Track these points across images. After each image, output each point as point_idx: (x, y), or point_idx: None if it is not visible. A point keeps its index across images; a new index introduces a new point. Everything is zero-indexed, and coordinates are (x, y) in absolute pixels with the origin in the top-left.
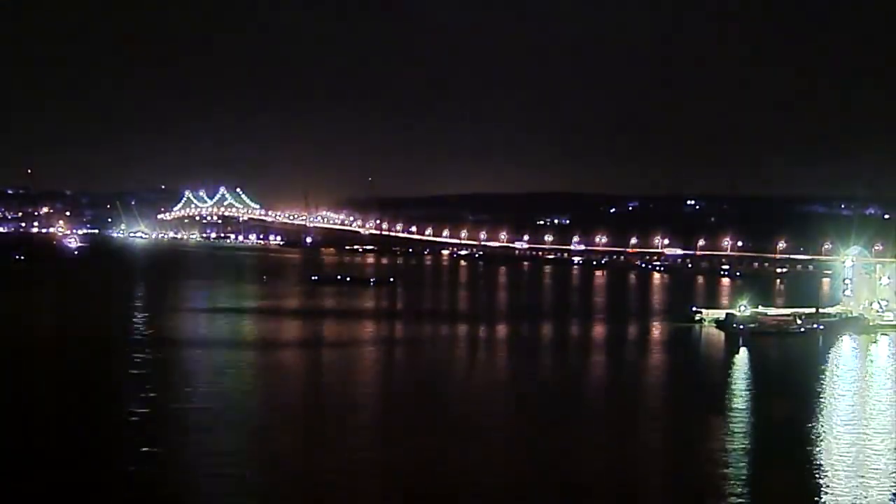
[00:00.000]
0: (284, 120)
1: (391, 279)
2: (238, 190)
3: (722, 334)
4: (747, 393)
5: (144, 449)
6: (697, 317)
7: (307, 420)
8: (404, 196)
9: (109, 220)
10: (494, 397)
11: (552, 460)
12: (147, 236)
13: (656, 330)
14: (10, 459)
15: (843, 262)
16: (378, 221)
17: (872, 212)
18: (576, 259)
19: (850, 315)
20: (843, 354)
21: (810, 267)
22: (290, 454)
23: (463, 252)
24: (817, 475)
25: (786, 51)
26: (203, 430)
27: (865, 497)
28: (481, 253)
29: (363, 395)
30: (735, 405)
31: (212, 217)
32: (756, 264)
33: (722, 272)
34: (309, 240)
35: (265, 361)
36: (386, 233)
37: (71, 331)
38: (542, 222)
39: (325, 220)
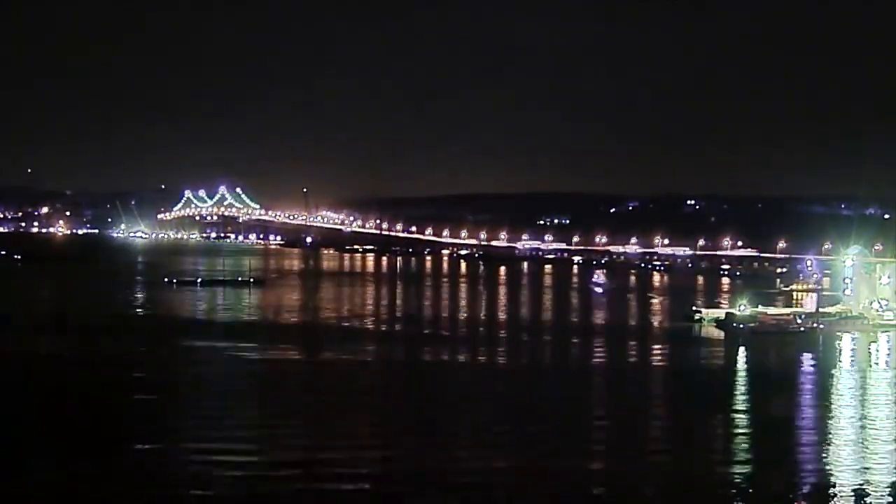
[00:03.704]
0: (285, 120)
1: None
2: (238, 190)
3: (722, 333)
4: (747, 392)
5: None
6: (697, 316)
7: None
8: (404, 196)
9: (109, 220)
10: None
11: (549, 457)
12: (147, 236)
13: (656, 329)
14: None
15: (843, 262)
16: (378, 221)
17: (872, 212)
18: (576, 259)
19: (850, 314)
20: (843, 354)
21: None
22: None
23: (463, 252)
24: (817, 475)
25: (785, 50)
26: None
27: (866, 497)
28: (481, 253)
29: None
30: (734, 404)
31: (212, 217)
32: (756, 264)
33: (722, 272)
34: (309, 240)
35: None
36: (375, 231)
37: None
38: (542, 222)
39: (325, 220)
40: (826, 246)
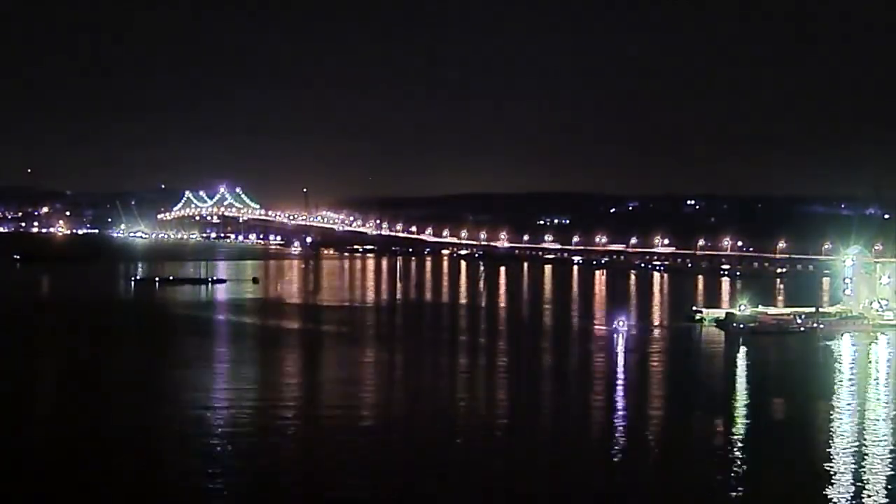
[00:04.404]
0: (285, 119)
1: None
2: (238, 190)
3: (722, 333)
4: (747, 392)
5: None
6: (697, 316)
7: None
8: (404, 196)
9: (109, 220)
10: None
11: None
12: (147, 236)
13: (656, 329)
14: None
15: (843, 262)
16: (378, 221)
17: (872, 212)
18: (576, 259)
19: (850, 314)
20: (843, 354)
21: (810, 267)
22: None
23: (463, 252)
24: (817, 475)
25: (785, 51)
26: None
27: (865, 496)
28: (481, 253)
29: None
30: (734, 404)
31: (212, 217)
32: (756, 264)
33: (722, 272)
34: (309, 240)
35: None
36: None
37: None
38: (542, 222)
39: (325, 220)
40: (826, 246)
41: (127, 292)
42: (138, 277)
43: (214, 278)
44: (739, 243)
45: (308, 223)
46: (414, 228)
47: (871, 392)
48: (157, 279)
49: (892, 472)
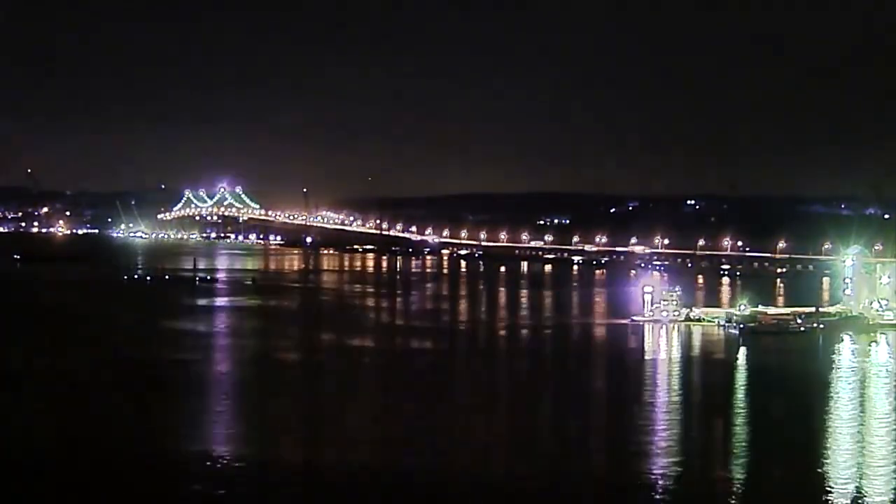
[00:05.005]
0: (285, 119)
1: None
2: (238, 190)
3: (722, 333)
4: (747, 392)
5: None
6: (698, 316)
7: None
8: (404, 196)
9: (109, 220)
10: None
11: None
12: (147, 236)
13: (656, 328)
14: None
15: (844, 262)
16: (378, 221)
17: (872, 212)
18: (576, 259)
19: (850, 314)
20: (843, 353)
21: (810, 267)
22: None
23: (463, 252)
24: (817, 473)
25: (786, 51)
26: None
27: (865, 494)
28: (481, 252)
29: None
30: (734, 404)
31: (212, 217)
32: (756, 264)
33: (722, 272)
34: (309, 240)
35: None
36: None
37: None
38: (542, 222)
39: (325, 219)
40: (826, 246)
41: (120, 292)
42: (135, 276)
43: (211, 278)
44: (739, 243)
45: (308, 223)
46: (414, 228)
47: (870, 391)
48: (149, 278)
49: (891, 471)
